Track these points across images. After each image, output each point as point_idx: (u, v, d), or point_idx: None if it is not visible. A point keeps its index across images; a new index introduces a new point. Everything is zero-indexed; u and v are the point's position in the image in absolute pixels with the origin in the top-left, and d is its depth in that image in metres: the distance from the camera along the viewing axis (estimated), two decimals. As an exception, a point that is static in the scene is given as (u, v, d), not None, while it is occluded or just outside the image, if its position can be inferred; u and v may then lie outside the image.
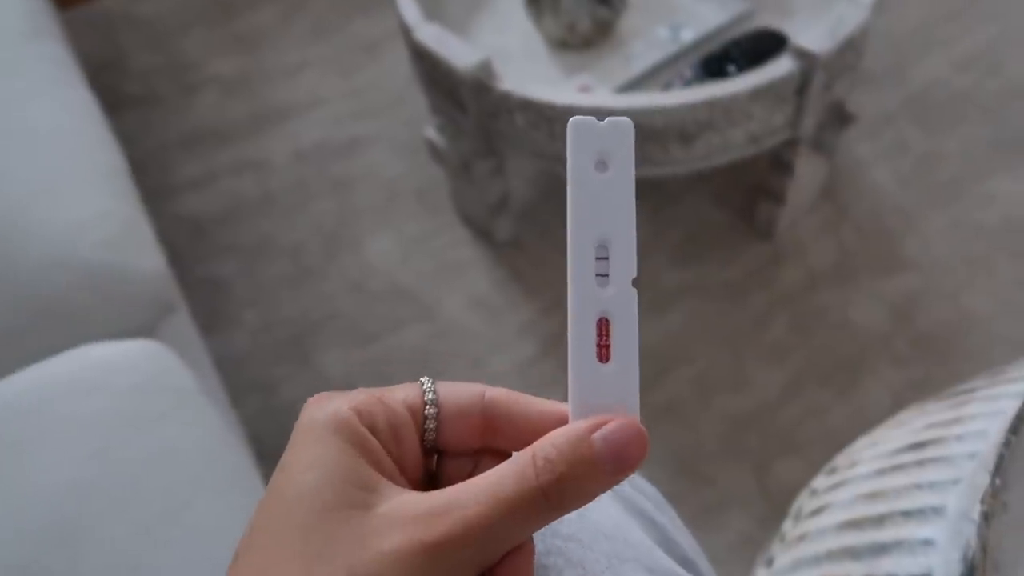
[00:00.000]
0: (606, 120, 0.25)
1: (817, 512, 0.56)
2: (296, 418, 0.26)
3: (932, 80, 1.33)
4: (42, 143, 0.73)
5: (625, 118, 0.26)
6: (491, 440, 0.27)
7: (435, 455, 0.28)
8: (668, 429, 1.01)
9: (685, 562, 0.37)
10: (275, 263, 1.21)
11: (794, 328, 1.09)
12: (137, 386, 0.55)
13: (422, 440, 0.27)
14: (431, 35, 0.95)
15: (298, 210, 1.27)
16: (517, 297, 1.14)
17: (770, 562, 0.60)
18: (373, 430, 0.26)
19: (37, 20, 0.87)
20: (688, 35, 1.05)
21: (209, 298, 1.17)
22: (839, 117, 1.01)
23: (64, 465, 0.51)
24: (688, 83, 0.99)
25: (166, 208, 1.28)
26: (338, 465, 0.24)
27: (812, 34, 0.90)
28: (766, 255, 1.15)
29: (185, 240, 1.25)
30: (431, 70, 0.98)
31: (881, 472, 0.50)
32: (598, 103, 0.90)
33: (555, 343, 1.09)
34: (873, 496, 0.48)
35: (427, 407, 0.27)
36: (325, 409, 0.26)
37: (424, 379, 0.28)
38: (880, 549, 0.44)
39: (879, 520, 0.45)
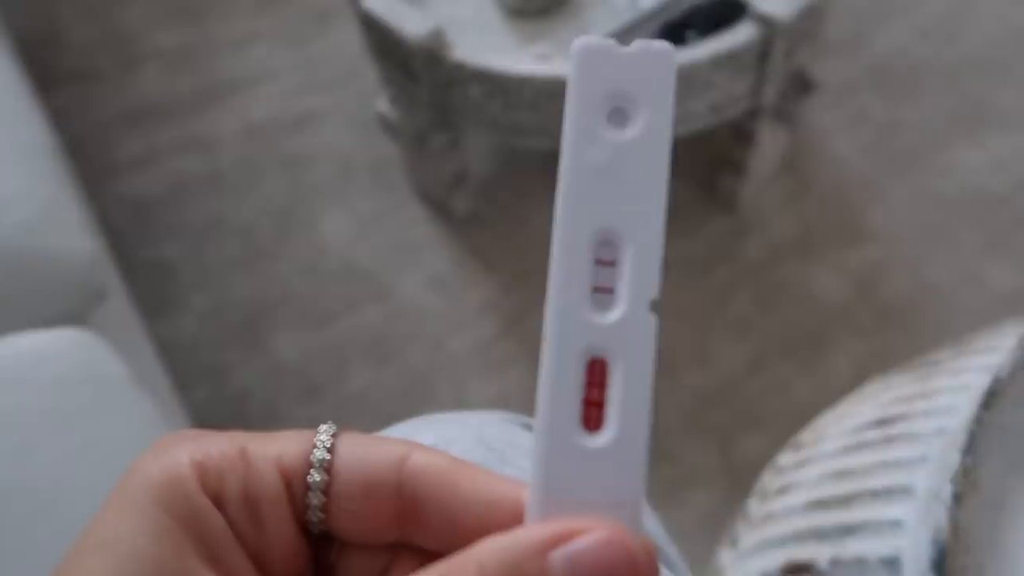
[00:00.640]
0: (634, 45, 0.16)
1: (783, 491, 0.54)
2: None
3: (893, 49, 1.32)
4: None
5: (663, 43, 0.16)
6: (410, 531, 0.18)
7: (333, 542, 0.19)
8: (632, 406, 1.00)
9: None
10: (224, 244, 1.17)
11: (757, 301, 1.07)
12: (61, 377, 0.51)
13: (303, 521, 0.18)
14: (381, 3, 0.91)
15: (247, 188, 1.22)
16: (477, 275, 1.12)
17: (735, 542, 0.59)
18: (219, 501, 0.17)
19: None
20: (647, 2, 1.02)
21: (155, 282, 1.13)
22: (801, 85, 0.99)
23: (-18, 465, 0.48)
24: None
25: (108, 188, 1.22)
26: (141, 554, 0.16)
27: (773, 0, 0.88)
28: (728, 228, 1.14)
29: (128, 221, 1.19)
30: (381, 40, 0.94)
31: (847, 449, 0.48)
32: (557, 72, 0.87)
33: (517, 320, 1.07)
34: (840, 475, 0.46)
35: (312, 473, 0.18)
36: (160, 460, 0.17)
37: (323, 427, 0.19)
38: (847, 530, 0.42)
39: (846, 500, 0.44)
